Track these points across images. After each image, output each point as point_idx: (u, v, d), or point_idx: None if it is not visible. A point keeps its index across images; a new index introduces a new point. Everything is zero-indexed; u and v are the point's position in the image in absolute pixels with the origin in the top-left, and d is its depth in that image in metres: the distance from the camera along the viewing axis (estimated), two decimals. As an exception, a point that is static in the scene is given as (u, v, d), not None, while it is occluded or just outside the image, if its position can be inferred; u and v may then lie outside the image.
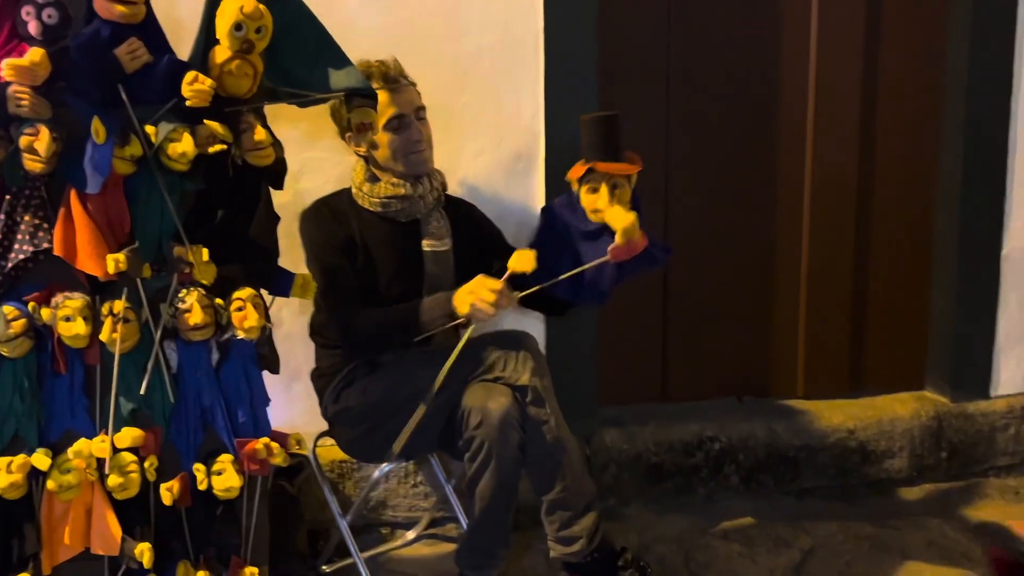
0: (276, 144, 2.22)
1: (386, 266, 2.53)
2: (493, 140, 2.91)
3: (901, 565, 2.80)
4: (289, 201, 2.69)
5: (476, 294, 2.28)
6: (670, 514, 3.10)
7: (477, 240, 2.66)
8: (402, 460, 2.54)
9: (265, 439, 2.16)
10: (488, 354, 2.35)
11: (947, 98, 3.25)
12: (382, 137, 2.50)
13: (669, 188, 3.19)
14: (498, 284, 2.27)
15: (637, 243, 2.33)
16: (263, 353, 2.22)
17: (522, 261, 2.28)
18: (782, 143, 3.25)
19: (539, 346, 2.44)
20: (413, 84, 2.57)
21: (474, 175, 2.91)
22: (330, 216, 2.53)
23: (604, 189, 2.42)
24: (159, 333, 2.11)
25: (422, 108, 2.55)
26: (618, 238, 2.30)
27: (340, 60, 2.30)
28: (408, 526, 2.97)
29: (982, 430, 3.32)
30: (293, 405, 2.83)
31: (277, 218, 2.29)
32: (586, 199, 2.44)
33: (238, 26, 2.10)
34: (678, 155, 3.19)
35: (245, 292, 2.15)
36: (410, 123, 2.50)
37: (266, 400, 2.23)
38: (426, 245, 2.57)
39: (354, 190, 2.57)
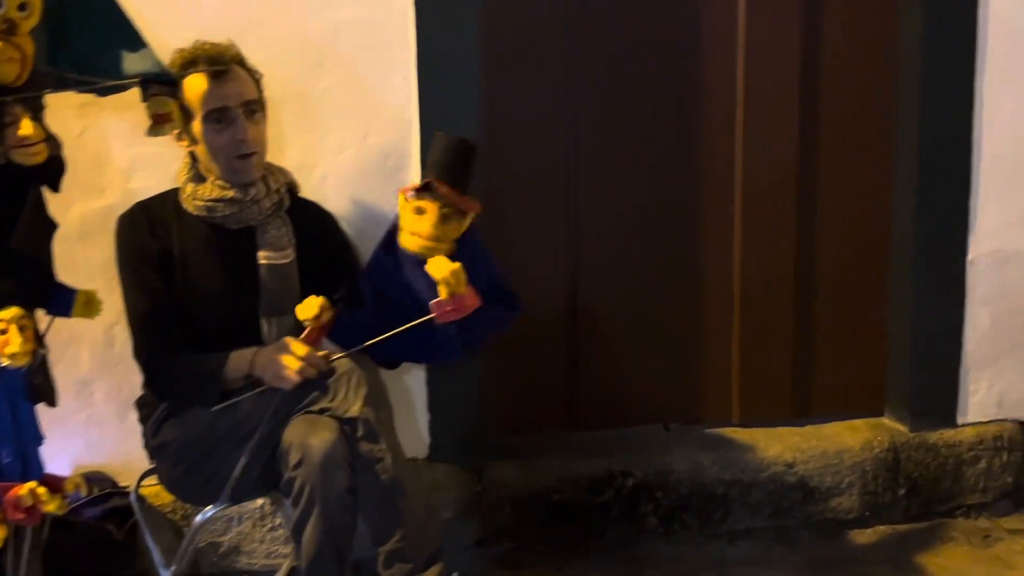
0: (50, 140, 2.07)
1: (213, 282, 2.38)
2: (359, 132, 2.76)
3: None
4: (118, 202, 2.59)
5: (276, 360, 2.17)
6: (576, 560, 2.93)
7: (324, 253, 2.50)
8: (228, 503, 2.37)
9: (32, 484, 2.01)
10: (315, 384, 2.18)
11: (901, 81, 3.06)
12: (205, 132, 2.34)
13: (575, 188, 3.04)
14: (303, 349, 2.16)
15: (464, 300, 2.17)
16: (36, 383, 2.06)
17: (305, 309, 2.21)
18: (708, 139, 3.08)
19: (378, 375, 2.26)
20: (252, 73, 2.40)
21: (337, 173, 2.76)
22: (146, 224, 2.38)
23: (432, 213, 2.24)
24: (-94, 361, 1.97)
25: (254, 102, 2.37)
26: (440, 291, 2.16)
27: (135, 42, 2.18)
28: (267, 575, 2.80)
29: (946, 463, 3.13)
30: (128, 438, 2.68)
31: (53, 225, 2.16)
32: (407, 217, 2.28)
33: (-6, 3, 1.95)
34: (585, 151, 3.03)
35: (9, 313, 2.00)
36: (235, 118, 2.33)
37: (38, 438, 2.10)
38: (262, 257, 2.41)
39: (180, 191, 2.41)
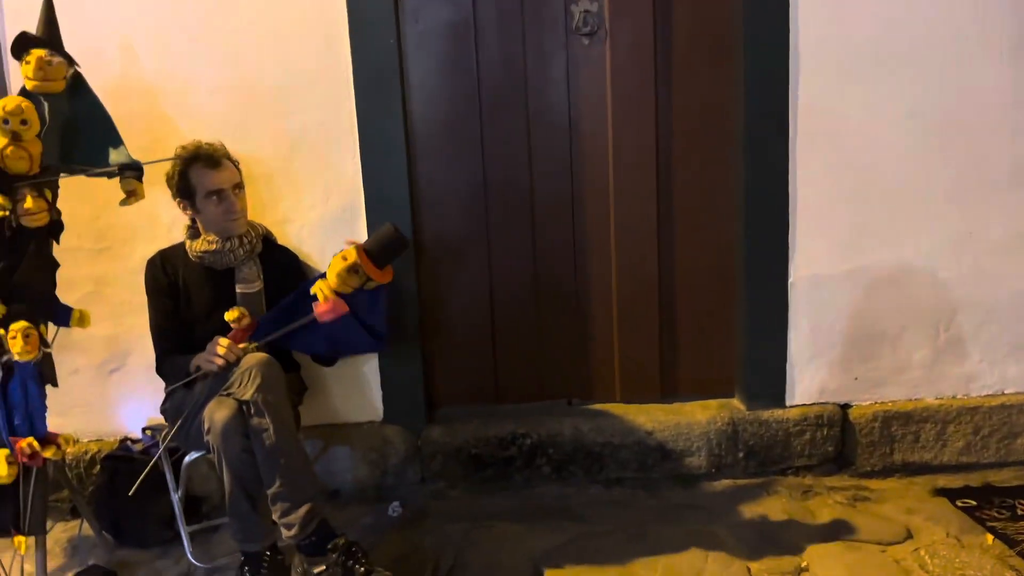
0: (52, 209, 2.06)
1: (204, 305, 2.36)
2: (323, 196, 2.65)
3: (641, 551, 2.35)
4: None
5: (210, 351, 2.13)
6: (489, 496, 2.74)
7: (287, 282, 2.41)
8: (203, 451, 2.30)
9: (30, 439, 2.01)
10: (232, 374, 2.10)
11: (734, 150, 2.70)
12: (205, 205, 2.30)
13: (490, 232, 2.80)
14: (225, 342, 2.11)
15: (333, 306, 2.16)
16: (42, 371, 2.06)
17: (228, 314, 2.19)
18: (590, 194, 2.78)
19: (276, 368, 2.15)
20: (235, 163, 2.35)
21: (310, 224, 2.66)
22: (161, 265, 2.38)
23: (350, 262, 2.21)
24: (-46, 356, 1.99)
25: (239, 184, 2.34)
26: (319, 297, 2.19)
27: (116, 141, 2.17)
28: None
29: (777, 434, 2.75)
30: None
31: (56, 264, 2.14)
32: (335, 259, 2.24)
33: (4, 120, 1.97)
34: (495, 205, 2.78)
35: (18, 325, 2.02)
36: (227, 196, 2.29)
37: (42, 407, 2.07)
38: (238, 288, 2.36)
39: (185, 243, 2.38)
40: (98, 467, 2.63)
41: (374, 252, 2.23)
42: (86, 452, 2.69)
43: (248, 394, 2.05)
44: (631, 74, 2.68)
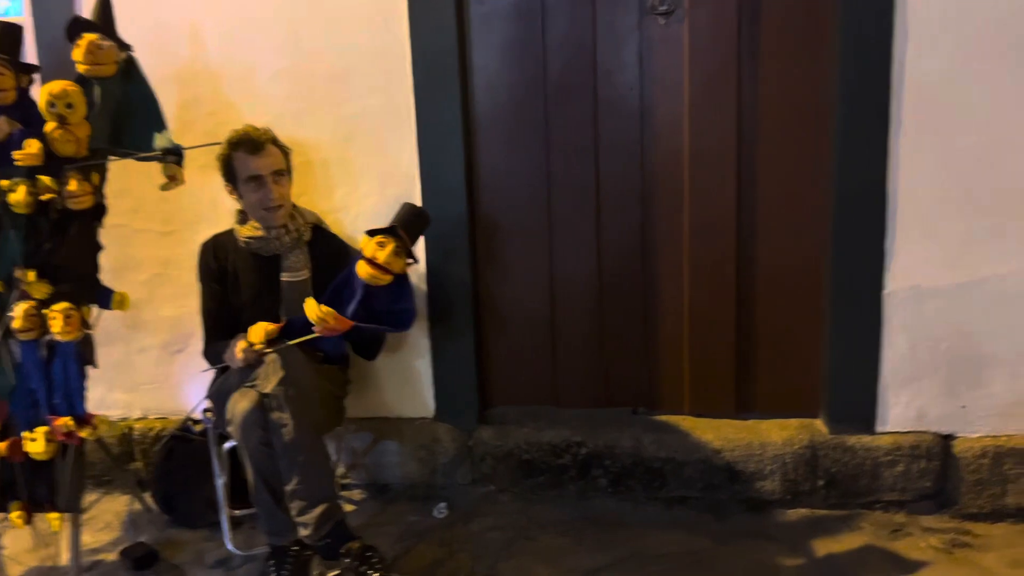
0: (96, 192, 2.08)
1: (250, 291, 2.33)
2: (378, 184, 2.56)
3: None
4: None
5: (232, 350, 2.13)
6: (539, 505, 2.59)
7: (334, 271, 2.32)
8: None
9: (67, 418, 2.04)
10: (258, 366, 2.05)
11: (827, 142, 2.39)
12: (244, 191, 2.26)
13: (552, 230, 2.61)
14: (243, 344, 2.10)
15: (333, 327, 2.10)
16: (81, 351, 2.08)
17: (253, 333, 2.13)
18: (661, 190, 2.54)
19: (301, 361, 2.08)
20: (282, 148, 2.29)
21: (365, 212, 2.58)
22: (212, 249, 2.38)
23: (390, 247, 2.13)
24: (1, 333, 2.04)
25: (281, 171, 2.28)
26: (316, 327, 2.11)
27: (161, 125, 2.17)
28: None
29: (863, 463, 2.44)
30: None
31: (99, 247, 2.15)
32: (370, 247, 2.15)
33: (50, 103, 2.00)
34: (559, 202, 2.59)
35: (60, 306, 2.06)
36: (265, 183, 2.23)
37: (81, 387, 2.09)
38: (284, 276, 2.32)
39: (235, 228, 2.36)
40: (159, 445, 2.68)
41: (409, 229, 2.18)
42: (151, 429, 2.75)
43: (269, 387, 2.00)
44: (712, 57, 2.42)
